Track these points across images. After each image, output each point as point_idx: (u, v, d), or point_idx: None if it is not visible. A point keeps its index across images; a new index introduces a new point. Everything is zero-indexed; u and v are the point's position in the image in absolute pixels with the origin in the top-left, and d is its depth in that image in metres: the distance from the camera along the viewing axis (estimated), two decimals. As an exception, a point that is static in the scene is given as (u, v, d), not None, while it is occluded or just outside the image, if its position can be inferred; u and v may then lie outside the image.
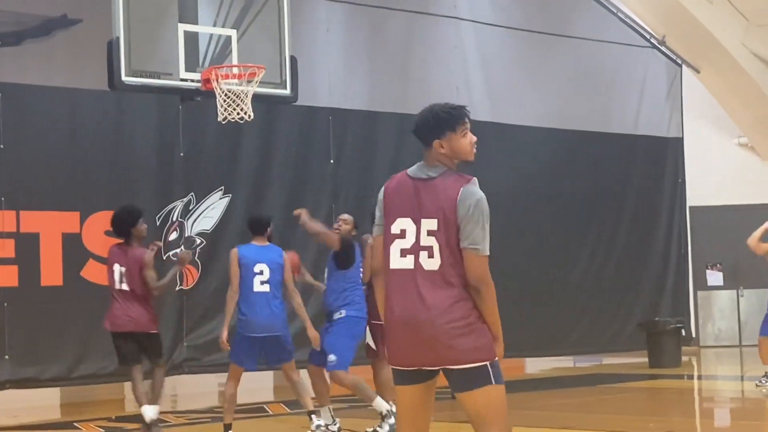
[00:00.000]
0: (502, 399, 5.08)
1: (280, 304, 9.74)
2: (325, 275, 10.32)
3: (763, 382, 13.30)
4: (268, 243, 9.92)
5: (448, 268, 4.98)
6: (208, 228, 13.59)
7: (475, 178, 5.04)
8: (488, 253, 5.01)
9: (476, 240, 4.97)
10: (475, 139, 5.12)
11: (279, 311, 9.72)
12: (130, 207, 10.34)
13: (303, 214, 10.00)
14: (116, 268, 9.96)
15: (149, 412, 9.97)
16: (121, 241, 10.13)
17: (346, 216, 10.39)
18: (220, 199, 13.69)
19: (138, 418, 10.23)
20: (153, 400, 10.06)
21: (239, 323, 9.69)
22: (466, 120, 5.11)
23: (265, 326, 9.63)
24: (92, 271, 12.55)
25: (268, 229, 9.96)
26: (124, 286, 9.92)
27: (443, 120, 5.08)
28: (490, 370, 5.02)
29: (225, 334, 9.69)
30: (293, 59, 11.41)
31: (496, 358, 5.05)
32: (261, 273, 9.66)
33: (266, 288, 9.66)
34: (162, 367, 10.29)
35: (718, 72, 18.87)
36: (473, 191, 5.00)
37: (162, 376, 10.24)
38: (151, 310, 10.07)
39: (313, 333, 9.85)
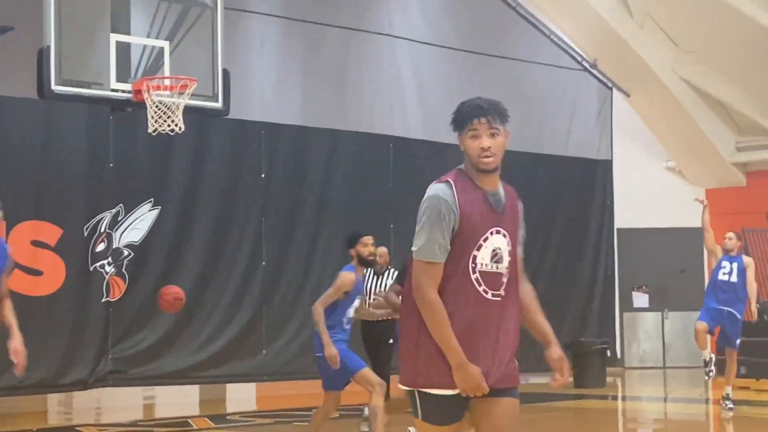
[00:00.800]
0: None
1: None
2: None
3: (709, 372, 13.37)
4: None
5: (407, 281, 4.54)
6: (137, 240, 13.45)
7: (448, 178, 4.53)
8: (428, 258, 4.36)
9: (415, 240, 4.42)
10: (487, 144, 4.51)
11: (316, 335, 9.21)
12: None
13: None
14: None
15: None
16: None
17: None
18: (150, 210, 13.57)
19: (61, 430, 10.08)
20: None
21: None
22: (476, 121, 4.55)
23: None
24: (18, 282, 12.35)
25: (352, 249, 9.38)
26: None
27: (457, 115, 4.67)
28: (417, 400, 4.49)
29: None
30: (226, 72, 11.37)
31: (432, 391, 4.46)
32: None
33: None
34: None
35: (647, 96, 19.09)
36: (429, 189, 4.51)
37: None
38: None
39: (331, 351, 8.98)
